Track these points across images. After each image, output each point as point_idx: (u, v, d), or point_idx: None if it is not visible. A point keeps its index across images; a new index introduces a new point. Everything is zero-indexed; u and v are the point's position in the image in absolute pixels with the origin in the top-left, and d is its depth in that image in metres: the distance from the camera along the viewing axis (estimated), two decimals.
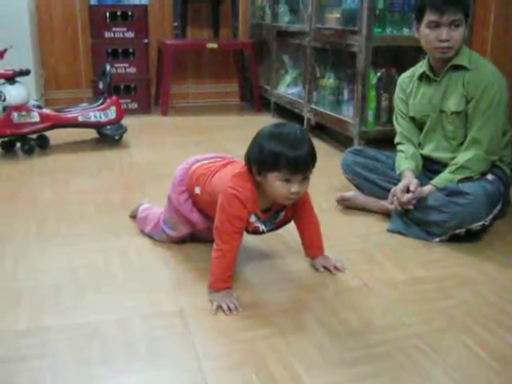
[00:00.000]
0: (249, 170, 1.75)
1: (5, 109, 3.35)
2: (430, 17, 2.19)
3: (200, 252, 2.08)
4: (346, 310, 1.71)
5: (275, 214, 1.87)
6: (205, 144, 3.70)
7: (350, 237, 2.26)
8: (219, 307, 1.69)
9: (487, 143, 2.20)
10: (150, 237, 2.21)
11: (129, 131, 3.74)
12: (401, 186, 2.23)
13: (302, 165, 1.67)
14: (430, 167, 2.38)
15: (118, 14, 4.57)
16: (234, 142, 3.72)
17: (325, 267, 1.95)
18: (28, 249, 2.13)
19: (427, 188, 2.23)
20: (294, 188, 1.69)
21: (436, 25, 2.19)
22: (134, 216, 2.37)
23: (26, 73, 3.45)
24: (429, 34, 2.22)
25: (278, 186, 1.69)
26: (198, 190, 1.94)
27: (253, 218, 1.79)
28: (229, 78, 5.28)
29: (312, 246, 1.98)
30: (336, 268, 1.95)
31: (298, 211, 1.92)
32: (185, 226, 2.07)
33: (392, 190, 2.26)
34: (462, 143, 2.28)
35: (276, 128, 1.72)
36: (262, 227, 1.84)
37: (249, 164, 1.74)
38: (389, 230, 2.29)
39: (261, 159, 1.69)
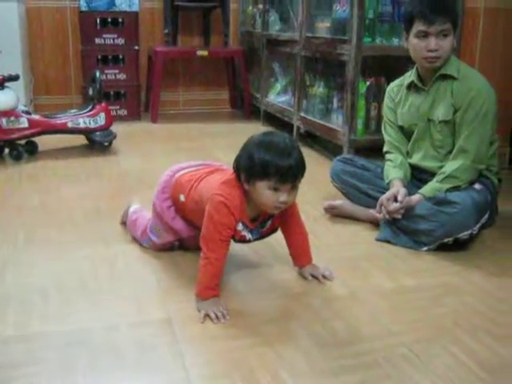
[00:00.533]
0: (237, 177, 1.75)
1: None
2: (418, 27, 2.20)
3: (188, 260, 2.07)
4: (333, 318, 1.71)
5: (262, 224, 1.86)
6: (195, 151, 3.70)
7: (338, 245, 2.26)
8: (207, 315, 1.69)
9: (474, 153, 2.22)
10: (140, 243, 2.20)
11: (118, 138, 3.73)
12: (388, 194, 2.24)
13: (291, 174, 1.67)
14: (418, 176, 2.39)
15: (109, 20, 4.56)
16: (224, 149, 3.72)
17: (313, 276, 1.95)
18: (16, 255, 2.12)
19: (415, 197, 2.24)
20: (283, 197, 1.69)
21: (424, 35, 2.20)
22: (124, 222, 2.36)
23: (15, 78, 3.44)
24: (417, 43, 2.23)
25: (266, 194, 1.69)
26: (182, 198, 1.94)
27: (240, 227, 1.78)
28: (219, 85, 5.29)
29: (300, 255, 1.98)
30: (324, 277, 1.95)
31: (285, 221, 1.92)
32: (168, 233, 2.06)
33: (380, 199, 2.26)
34: (450, 152, 2.29)
35: (266, 137, 1.73)
36: (248, 236, 1.84)
37: (237, 171, 1.74)
38: (377, 239, 2.30)
39: (250, 167, 1.68)
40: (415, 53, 2.26)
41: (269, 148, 1.67)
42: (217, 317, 1.68)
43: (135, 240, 2.24)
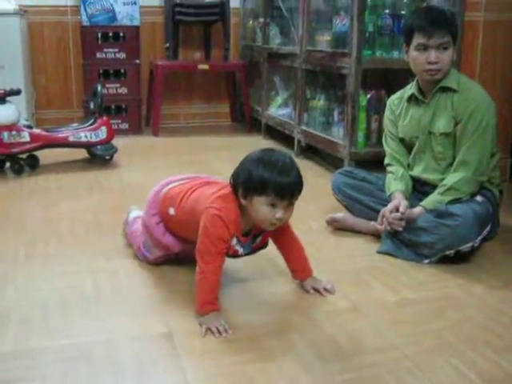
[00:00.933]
0: (234, 192, 1.75)
1: None
2: (418, 40, 2.21)
3: (190, 274, 2.05)
4: (335, 331, 1.70)
5: (253, 239, 1.87)
6: (196, 165, 3.71)
7: (340, 258, 2.26)
8: (208, 330, 1.68)
9: (476, 165, 2.22)
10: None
11: (119, 151, 3.74)
12: (390, 206, 2.24)
13: (289, 191, 1.69)
14: (419, 188, 2.39)
15: (110, 34, 4.58)
16: (225, 162, 3.72)
17: (314, 289, 1.95)
18: (16, 270, 2.11)
19: (417, 209, 2.24)
20: (279, 214, 1.70)
21: (424, 47, 2.21)
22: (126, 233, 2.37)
23: (16, 92, 3.45)
24: (417, 56, 2.24)
25: (263, 210, 1.69)
26: (172, 211, 1.94)
27: (234, 241, 1.79)
28: (220, 99, 5.30)
29: (299, 269, 1.98)
30: (326, 290, 1.94)
31: (280, 237, 1.93)
32: (158, 248, 2.07)
33: (381, 211, 2.26)
34: (451, 164, 2.29)
35: (265, 154, 1.73)
36: (240, 250, 1.84)
37: (235, 186, 1.74)
38: (379, 252, 2.29)
39: (249, 183, 1.69)
40: (415, 65, 2.27)
41: (268, 165, 1.68)
42: (218, 331, 1.67)
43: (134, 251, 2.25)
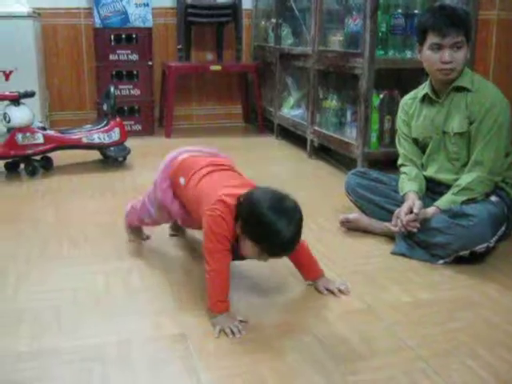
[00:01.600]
0: (236, 214, 1.73)
1: (9, 130, 3.36)
2: (432, 39, 2.20)
3: (203, 275, 2.06)
4: (349, 332, 1.69)
5: None
6: None
7: (354, 259, 2.25)
8: (222, 331, 1.68)
9: (490, 164, 2.20)
10: (138, 228, 2.34)
11: (132, 153, 3.75)
12: (404, 208, 2.22)
13: (281, 253, 1.74)
14: (433, 189, 2.37)
15: (123, 36, 4.60)
16: (237, 163, 3.71)
17: (328, 290, 1.94)
18: (30, 270, 2.12)
19: (431, 210, 2.22)
20: (265, 260, 1.75)
21: (438, 47, 2.19)
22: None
23: (30, 95, 3.47)
24: (431, 55, 2.22)
25: (250, 251, 1.72)
26: (182, 181, 1.96)
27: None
28: (232, 99, 5.30)
29: (310, 270, 1.97)
30: (340, 291, 1.93)
31: None
32: (161, 211, 2.11)
33: (395, 212, 2.25)
34: (465, 164, 2.27)
35: (274, 208, 1.65)
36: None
37: (237, 213, 1.72)
38: (392, 253, 2.28)
39: (249, 227, 1.69)
40: (429, 65, 2.25)
41: (272, 224, 1.62)
42: (232, 332, 1.67)
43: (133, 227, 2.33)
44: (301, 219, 1.70)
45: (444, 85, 2.28)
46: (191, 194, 1.92)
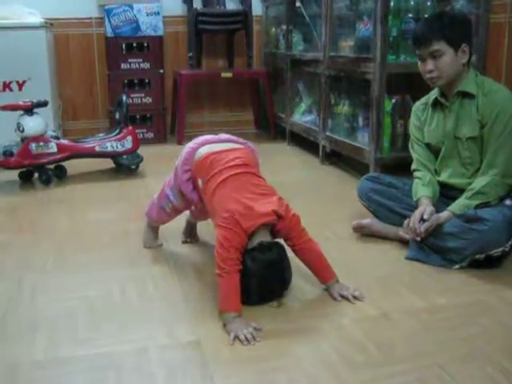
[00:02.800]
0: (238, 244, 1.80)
1: (23, 140, 3.39)
2: (415, 50, 2.26)
3: (216, 281, 2.06)
4: (365, 339, 1.68)
5: None
6: None
7: (368, 264, 2.24)
8: (236, 337, 1.68)
9: (503, 167, 2.18)
10: (156, 230, 2.40)
11: (145, 161, 3.76)
12: (417, 216, 2.20)
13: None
14: (446, 193, 2.36)
15: (134, 45, 4.63)
16: None
17: (342, 296, 1.93)
18: (46, 279, 2.13)
19: (444, 214, 2.21)
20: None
21: (421, 57, 2.23)
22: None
23: (43, 104, 3.50)
24: (420, 66, 2.27)
25: None
26: (200, 183, 2.01)
27: None
28: (244, 106, 5.31)
29: (321, 273, 1.97)
30: (354, 297, 1.93)
31: (296, 245, 1.93)
32: (182, 199, 2.16)
33: (406, 221, 2.24)
34: (479, 169, 2.26)
35: (265, 280, 1.84)
36: None
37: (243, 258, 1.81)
38: (407, 258, 2.27)
39: (247, 289, 1.80)
40: (422, 75, 2.28)
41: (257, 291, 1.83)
42: (246, 339, 1.67)
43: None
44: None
45: (449, 90, 2.28)
46: (207, 199, 1.97)
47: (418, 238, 2.21)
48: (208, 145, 2.08)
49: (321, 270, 1.97)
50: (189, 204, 2.20)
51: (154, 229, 2.43)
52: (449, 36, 2.17)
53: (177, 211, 2.28)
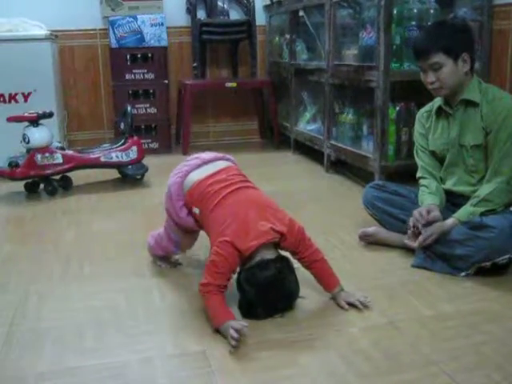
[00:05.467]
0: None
1: (29, 151, 3.41)
2: (416, 62, 2.27)
3: None
4: (372, 348, 1.68)
5: None
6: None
7: (374, 273, 2.23)
8: (231, 337, 1.66)
9: (509, 175, 2.18)
10: (168, 258, 2.32)
11: (150, 171, 3.77)
12: (422, 212, 2.21)
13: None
14: (452, 200, 2.35)
15: (139, 56, 4.65)
16: (253, 179, 3.71)
17: (349, 303, 1.92)
18: (52, 289, 2.14)
19: (449, 221, 2.20)
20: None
21: (422, 69, 2.24)
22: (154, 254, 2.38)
23: (49, 115, 3.51)
24: (422, 76, 2.28)
25: None
26: (196, 211, 1.99)
27: None
28: (248, 116, 5.32)
29: (326, 281, 1.96)
30: (361, 303, 1.92)
31: (298, 253, 1.92)
32: (182, 230, 2.14)
33: (409, 232, 2.25)
34: (484, 176, 2.25)
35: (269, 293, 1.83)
36: None
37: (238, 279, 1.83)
38: (413, 266, 2.26)
39: (247, 304, 1.83)
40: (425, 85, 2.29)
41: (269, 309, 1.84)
42: (236, 330, 1.66)
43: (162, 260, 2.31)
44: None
45: (452, 98, 2.28)
46: (205, 223, 1.98)
47: (420, 239, 2.19)
48: (194, 174, 2.05)
49: (326, 278, 1.97)
50: (188, 230, 2.15)
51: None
52: (447, 47, 2.17)
53: (186, 245, 2.25)
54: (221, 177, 2.01)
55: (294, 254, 1.93)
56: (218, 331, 1.75)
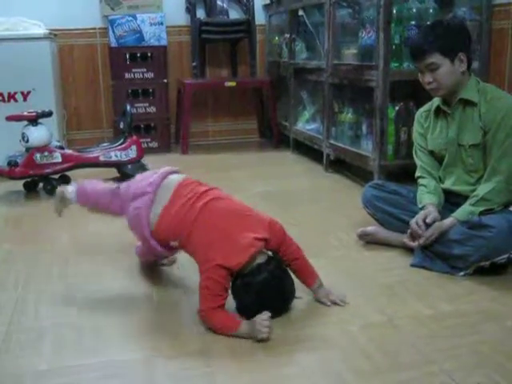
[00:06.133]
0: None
1: (28, 150, 3.40)
2: (413, 63, 2.29)
3: None
4: (371, 346, 1.68)
5: None
6: (225, 181, 3.69)
7: (373, 272, 2.23)
8: (264, 329, 1.69)
9: (507, 174, 2.18)
10: (164, 257, 2.25)
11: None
12: (420, 218, 2.21)
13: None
14: (450, 200, 2.35)
15: (138, 55, 4.66)
16: (253, 179, 3.73)
17: (331, 301, 1.94)
18: (50, 289, 2.14)
19: (447, 221, 2.20)
20: None
21: (419, 70, 2.25)
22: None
23: (48, 114, 3.52)
24: (419, 77, 2.28)
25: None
26: (174, 243, 1.93)
27: None
28: (247, 115, 5.32)
29: (306, 277, 1.96)
30: (342, 301, 1.94)
31: (285, 253, 1.91)
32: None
33: (410, 228, 2.24)
34: (483, 176, 2.25)
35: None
36: None
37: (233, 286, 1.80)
38: (412, 265, 2.26)
39: (245, 308, 1.80)
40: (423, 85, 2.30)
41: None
42: (267, 327, 1.70)
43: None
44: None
45: (450, 98, 2.28)
46: (187, 248, 1.92)
47: (421, 241, 2.20)
48: (155, 204, 1.96)
49: (305, 275, 1.96)
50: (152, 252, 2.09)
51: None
52: (443, 47, 2.17)
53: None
54: (183, 199, 1.92)
55: (276, 253, 1.91)
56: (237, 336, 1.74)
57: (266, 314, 1.72)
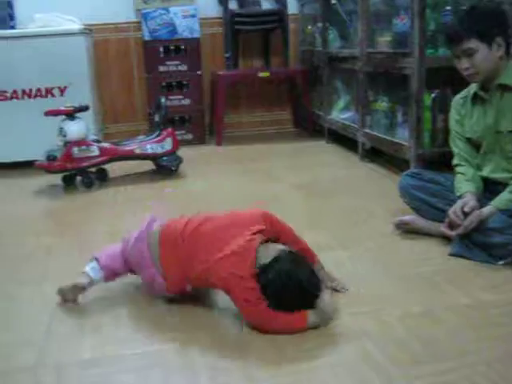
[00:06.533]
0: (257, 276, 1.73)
1: (66, 144, 3.46)
2: (450, 48, 2.26)
3: None
4: (409, 336, 1.67)
5: None
6: (260, 173, 3.72)
7: (411, 261, 2.21)
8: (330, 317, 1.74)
9: None
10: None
11: (185, 162, 3.80)
12: (458, 206, 2.18)
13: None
14: (489, 188, 2.31)
15: (171, 48, 4.68)
16: (287, 169, 3.74)
17: (333, 288, 1.93)
18: None
19: (486, 209, 2.16)
20: None
21: (456, 55, 2.22)
22: None
23: (85, 109, 3.57)
24: (456, 63, 2.25)
25: None
26: (189, 288, 1.91)
27: None
28: (281, 105, 5.31)
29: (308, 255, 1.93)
30: (342, 288, 1.96)
31: (280, 237, 1.89)
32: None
33: (447, 216, 2.21)
34: None
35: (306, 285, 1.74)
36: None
37: (260, 279, 1.72)
38: (451, 254, 2.24)
39: (275, 299, 1.71)
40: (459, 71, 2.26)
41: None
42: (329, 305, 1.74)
43: None
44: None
45: (488, 83, 2.24)
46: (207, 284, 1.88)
47: (459, 231, 2.17)
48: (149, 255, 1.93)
49: (306, 256, 1.91)
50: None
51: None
52: (480, 32, 2.13)
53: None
54: (170, 244, 1.91)
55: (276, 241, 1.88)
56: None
57: (327, 294, 1.73)
